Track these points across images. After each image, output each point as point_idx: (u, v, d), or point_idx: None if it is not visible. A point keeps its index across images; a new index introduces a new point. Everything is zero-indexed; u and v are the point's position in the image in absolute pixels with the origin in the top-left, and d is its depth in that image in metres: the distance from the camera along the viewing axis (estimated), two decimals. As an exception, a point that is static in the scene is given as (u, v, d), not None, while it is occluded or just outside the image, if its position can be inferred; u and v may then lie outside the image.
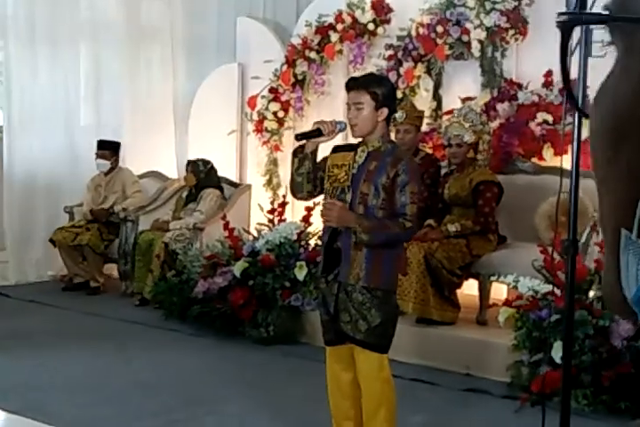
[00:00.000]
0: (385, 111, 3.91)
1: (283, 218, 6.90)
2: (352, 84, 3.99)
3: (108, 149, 8.47)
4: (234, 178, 8.80)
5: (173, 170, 9.37)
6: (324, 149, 4.08)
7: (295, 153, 4.06)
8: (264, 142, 8.59)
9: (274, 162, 8.65)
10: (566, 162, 6.81)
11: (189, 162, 8.05)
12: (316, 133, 3.98)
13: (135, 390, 5.43)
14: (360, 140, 4.01)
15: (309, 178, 4.03)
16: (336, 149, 4.08)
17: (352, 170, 3.93)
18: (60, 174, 9.02)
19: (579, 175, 3.39)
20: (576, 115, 3.37)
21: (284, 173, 8.65)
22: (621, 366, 5.02)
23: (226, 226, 6.97)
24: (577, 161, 3.34)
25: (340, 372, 4.05)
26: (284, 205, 6.99)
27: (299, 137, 4.10)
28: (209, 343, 6.54)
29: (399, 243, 4.03)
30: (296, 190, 4.12)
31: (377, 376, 3.91)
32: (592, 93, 5.99)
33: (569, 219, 3.39)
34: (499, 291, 6.62)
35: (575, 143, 3.32)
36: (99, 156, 8.45)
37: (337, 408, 4.11)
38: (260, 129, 8.57)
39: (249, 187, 8.44)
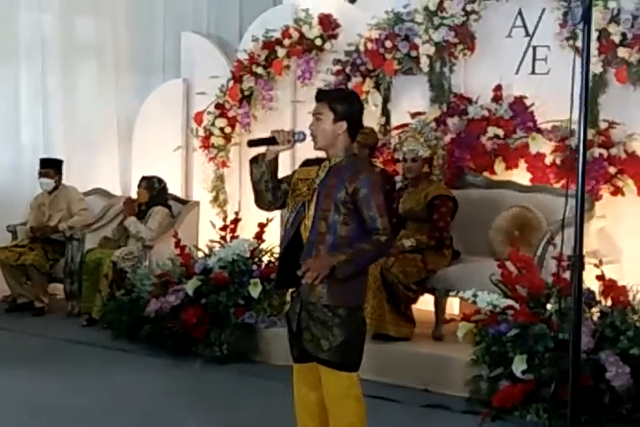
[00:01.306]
0: (344, 125, 3.86)
1: (235, 235, 6.83)
2: (317, 96, 4.03)
3: (52, 168, 8.30)
4: (180, 195, 8.69)
5: (117, 187, 9.24)
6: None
7: (252, 161, 3.99)
8: (211, 158, 8.51)
9: (220, 178, 8.58)
10: (516, 176, 6.92)
11: (144, 178, 7.92)
12: (270, 141, 3.92)
13: (86, 414, 5.30)
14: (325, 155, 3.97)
15: (268, 187, 3.96)
16: (306, 163, 4.04)
17: (314, 185, 3.88)
18: (1, 193, 8.83)
19: (584, 194, 3.34)
20: (581, 134, 3.33)
21: (231, 189, 8.61)
22: (583, 379, 5.01)
23: (177, 243, 6.88)
24: (583, 181, 3.29)
25: (307, 390, 3.97)
26: (236, 221, 6.92)
27: (250, 143, 4.04)
28: (161, 363, 6.43)
29: (382, 257, 3.95)
30: (257, 199, 4.05)
31: (346, 394, 3.83)
32: (539, 108, 6.04)
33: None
34: (450, 306, 6.62)
35: (580, 165, 3.26)
36: (42, 174, 8.28)
37: (304, 427, 4.04)
38: (206, 145, 8.49)
39: (197, 204, 8.34)
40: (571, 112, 3.31)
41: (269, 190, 3.97)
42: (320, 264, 3.71)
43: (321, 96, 4.02)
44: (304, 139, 3.95)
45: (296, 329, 3.90)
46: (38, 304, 8.11)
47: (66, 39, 9.22)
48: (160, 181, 7.94)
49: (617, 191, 6.42)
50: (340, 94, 4.16)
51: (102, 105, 9.42)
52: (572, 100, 3.10)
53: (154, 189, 7.88)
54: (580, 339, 3.47)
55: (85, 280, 7.66)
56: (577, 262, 3.29)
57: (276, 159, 3.97)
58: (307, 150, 5.64)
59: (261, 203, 4.05)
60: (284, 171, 4.09)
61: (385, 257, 3.99)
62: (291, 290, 4.03)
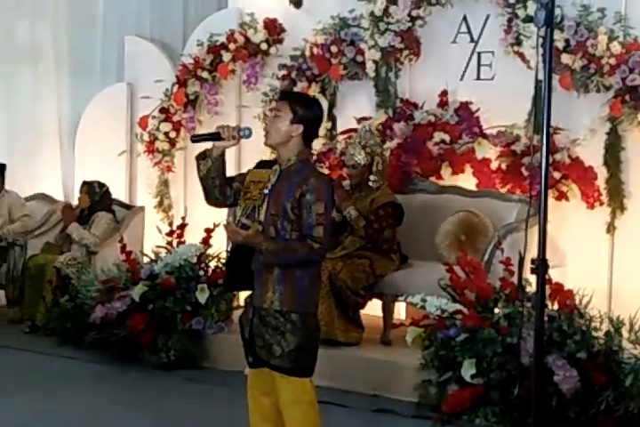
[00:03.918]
0: (300, 128, 3.83)
1: (182, 240, 6.79)
2: (280, 95, 4.15)
3: (-6, 172, 8.21)
4: (124, 199, 8.61)
5: (59, 192, 9.13)
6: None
7: (199, 157, 3.96)
8: (155, 163, 8.44)
9: (165, 183, 8.52)
10: (462, 181, 6.97)
11: (85, 183, 7.83)
12: (214, 137, 3.90)
13: (30, 423, 5.21)
14: (276, 157, 3.96)
15: (215, 184, 3.93)
16: (260, 164, 4.01)
17: (264, 189, 3.86)
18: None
19: (547, 200, 3.36)
20: (544, 141, 3.35)
21: (176, 194, 8.54)
22: (529, 383, 5.05)
23: (123, 249, 6.81)
24: (546, 186, 3.31)
25: (261, 395, 3.96)
26: (183, 226, 6.89)
27: (194, 138, 4.01)
28: (107, 371, 6.37)
29: (310, 264, 3.92)
30: (206, 195, 4.01)
31: (300, 400, 3.82)
32: (484, 114, 6.11)
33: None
34: (397, 310, 6.65)
35: (543, 172, 3.29)
36: (-17, 179, 8.18)
37: (258, 433, 4.02)
38: (151, 150, 8.42)
39: (142, 209, 8.27)
40: (535, 117, 3.35)
41: (216, 187, 3.93)
42: (251, 238, 3.69)
43: (284, 96, 4.10)
44: (249, 135, 3.92)
45: (248, 335, 3.88)
46: (-21, 311, 8.00)
47: (5, 42, 9.11)
48: (101, 185, 7.85)
49: (561, 196, 6.49)
50: (303, 98, 4.17)
51: (43, 109, 9.35)
52: (534, 106, 3.13)
53: (95, 194, 7.79)
54: (542, 341, 3.53)
55: (28, 286, 7.55)
56: (541, 265, 3.31)
57: (222, 155, 3.94)
58: (254, 148, 5.69)
59: (210, 199, 4.02)
60: (230, 167, 4.07)
61: (317, 263, 3.94)
62: (244, 296, 4.00)
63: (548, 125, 3.39)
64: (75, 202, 8.17)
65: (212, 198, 4.00)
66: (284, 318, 3.78)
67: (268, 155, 6.49)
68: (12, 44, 9.21)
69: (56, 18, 9.28)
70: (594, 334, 5.20)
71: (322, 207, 3.75)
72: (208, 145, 3.97)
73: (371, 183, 6.40)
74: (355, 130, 6.95)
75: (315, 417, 3.88)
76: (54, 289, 7.31)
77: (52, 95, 9.32)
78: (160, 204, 8.50)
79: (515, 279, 5.36)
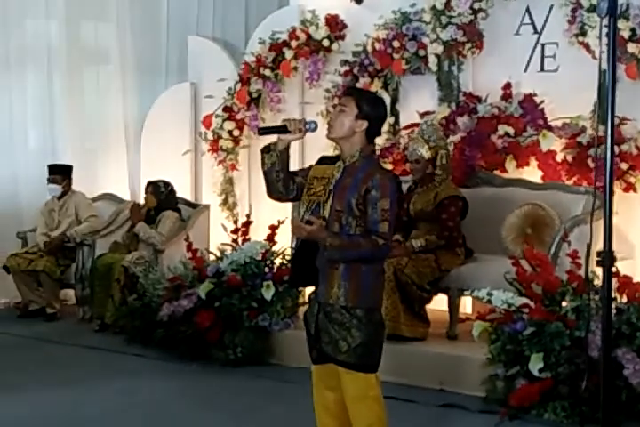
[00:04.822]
0: (364, 124, 3.84)
1: (247, 237, 6.82)
2: (347, 91, 4.21)
3: (59, 174, 8.31)
4: (189, 198, 8.68)
5: (126, 192, 9.23)
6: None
7: (264, 150, 3.97)
8: (220, 162, 8.50)
9: (229, 181, 8.56)
10: (527, 174, 6.89)
11: (150, 183, 7.91)
12: (280, 129, 3.91)
13: (100, 421, 5.28)
14: (339, 152, 3.95)
15: (279, 177, 3.94)
16: (322, 160, 4.01)
17: (329, 186, 3.86)
18: (10, 199, 8.86)
19: (612, 192, 3.29)
20: (608, 134, 3.29)
21: (240, 192, 8.59)
22: (598, 377, 4.99)
23: (189, 247, 6.86)
24: (611, 177, 3.24)
25: (326, 391, 3.96)
26: (248, 224, 6.91)
27: (261, 131, 4.04)
28: (175, 368, 6.41)
29: (374, 260, 3.91)
30: (269, 190, 4.02)
31: (365, 396, 3.82)
32: (548, 106, 6.02)
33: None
34: (463, 305, 6.60)
35: (608, 163, 3.22)
36: (50, 180, 8.30)
37: (324, 428, 4.02)
38: (215, 148, 8.48)
39: (207, 207, 8.31)
40: (600, 108, 3.28)
41: (280, 180, 3.94)
42: (316, 233, 3.70)
43: (350, 91, 4.15)
44: (315, 128, 3.94)
45: (314, 331, 3.89)
46: (50, 310, 8.10)
47: (72, 45, 9.23)
48: (166, 184, 7.92)
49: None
50: (369, 95, 4.22)
51: (109, 110, 9.43)
52: (599, 97, 3.07)
53: (161, 194, 7.86)
54: (610, 334, 3.46)
55: (97, 286, 7.64)
56: (607, 258, 3.25)
57: (287, 149, 3.95)
58: (317, 144, 5.69)
59: (273, 193, 4.02)
60: (293, 162, 4.08)
61: (382, 259, 3.94)
62: (308, 292, 4.01)
63: (613, 116, 3.32)
64: (141, 201, 8.25)
65: (275, 192, 4.01)
66: (350, 313, 3.78)
67: (331, 151, 6.49)
68: (77, 46, 9.30)
69: (120, 19, 9.37)
70: (664, 326, 5.11)
71: (387, 203, 3.76)
72: (273, 139, 3.98)
73: (436, 178, 6.37)
74: (418, 125, 6.91)
75: (380, 412, 3.88)
76: (122, 288, 7.39)
77: (118, 96, 9.41)
78: (225, 202, 8.54)
79: (582, 272, 5.28)
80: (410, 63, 7.40)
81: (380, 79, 7.54)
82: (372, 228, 3.75)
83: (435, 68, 7.25)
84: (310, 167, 4.03)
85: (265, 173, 3.98)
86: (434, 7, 7.16)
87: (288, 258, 6.69)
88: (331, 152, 6.42)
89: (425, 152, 6.34)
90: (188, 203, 8.39)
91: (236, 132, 8.40)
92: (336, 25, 7.93)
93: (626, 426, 4.80)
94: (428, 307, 6.28)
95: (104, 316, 7.52)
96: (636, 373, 4.91)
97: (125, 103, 9.45)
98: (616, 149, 6.25)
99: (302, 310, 5.43)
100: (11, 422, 5.25)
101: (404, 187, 6.57)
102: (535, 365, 5.10)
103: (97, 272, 7.66)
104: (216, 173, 8.59)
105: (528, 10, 7.01)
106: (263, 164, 3.97)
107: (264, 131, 4.03)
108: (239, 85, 8.35)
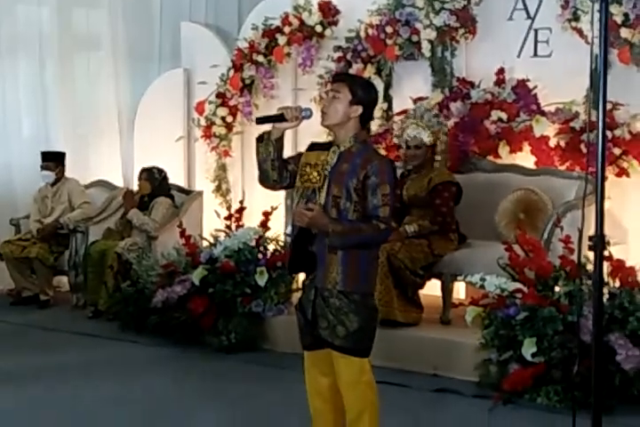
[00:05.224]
0: (359, 109, 3.84)
1: (241, 224, 6.81)
2: (338, 77, 4.18)
3: (52, 161, 8.30)
4: (182, 185, 8.67)
5: (119, 178, 9.22)
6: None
7: (259, 139, 3.96)
8: (213, 148, 8.49)
9: (223, 168, 8.55)
10: (521, 159, 6.89)
11: (144, 169, 7.90)
12: (278, 118, 3.90)
13: (96, 407, 5.27)
14: (332, 138, 3.94)
15: (274, 166, 3.93)
16: (312, 147, 4.00)
17: (324, 171, 3.85)
18: (4, 187, 8.86)
19: (604, 177, 3.28)
20: (600, 116, 3.28)
21: (234, 178, 8.58)
22: (591, 361, 5.00)
23: (182, 233, 6.86)
24: (603, 162, 3.23)
25: (319, 376, 3.97)
26: (241, 210, 6.90)
27: (259, 120, 4.02)
28: (169, 354, 6.42)
29: (375, 245, 3.94)
30: (262, 178, 4.02)
31: (359, 380, 3.83)
32: (541, 91, 6.00)
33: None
34: (456, 290, 6.61)
35: (599, 148, 3.20)
36: (43, 167, 8.28)
37: (317, 413, 4.02)
38: (208, 135, 8.47)
39: (200, 193, 8.31)
40: (594, 93, 3.25)
41: (275, 169, 3.94)
42: (318, 220, 3.71)
43: (342, 77, 4.15)
44: (310, 115, 3.93)
45: (311, 317, 3.89)
46: (43, 297, 8.10)
47: (64, 32, 9.19)
48: (160, 171, 7.91)
49: (622, 172, 6.39)
50: (361, 80, 4.25)
51: (102, 97, 9.40)
52: (591, 82, 3.06)
53: (155, 180, 7.86)
54: (601, 319, 3.45)
55: (90, 272, 7.65)
56: (598, 242, 3.24)
57: (282, 137, 3.95)
58: (310, 131, 5.68)
59: (267, 182, 4.02)
60: (286, 149, 4.06)
61: (381, 244, 3.96)
62: (302, 278, 4.01)
63: (605, 101, 3.31)
64: (134, 188, 8.24)
65: (269, 181, 4.00)
66: (348, 298, 3.79)
67: (324, 137, 6.48)
68: (70, 32, 9.27)
69: (112, 5, 9.32)
70: (656, 310, 5.12)
71: (387, 188, 3.77)
72: (268, 127, 3.97)
73: (436, 163, 6.37)
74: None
75: (373, 397, 3.89)
76: (116, 274, 7.39)
77: (110, 82, 9.37)
78: (218, 188, 8.54)
79: (575, 257, 5.29)
80: (403, 49, 7.37)
81: (373, 65, 7.52)
82: (373, 213, 3.76)
83: (428, 54, 7.23)
84: (300, 154, 4.03)
85: (259, 163, 3.98)
86: (427, -8, 7.15)
87: (281, 244, 6.70)
88: (324, 138, 6.40)
89: (426, 137, 6.33)
90: (181, 189, 8.38)
91: (229, 119, 8.38)
92: (329, 11, 7.91)
93: (619, 411, 4.82)
94: (422, 292, 6.28)
95: (97, 302, 7.52)
96: (628, 358, 4.93)
97: (118, 90, 9.41)
98: (609, 134, 6.25)
99: (296, 295, 5.45)
100: (5, 409, 5.24)
101: (397, 173, 6.56)
102: (528, 349, 5.11)
103: (90, 259, 7.67)
104: (209, 160, 8.58)
105: (521, -5, 7.01)
106: (258, 153, 3.96)
107: (262, 120, 4.01)
108: (232, 72, 8.33)
